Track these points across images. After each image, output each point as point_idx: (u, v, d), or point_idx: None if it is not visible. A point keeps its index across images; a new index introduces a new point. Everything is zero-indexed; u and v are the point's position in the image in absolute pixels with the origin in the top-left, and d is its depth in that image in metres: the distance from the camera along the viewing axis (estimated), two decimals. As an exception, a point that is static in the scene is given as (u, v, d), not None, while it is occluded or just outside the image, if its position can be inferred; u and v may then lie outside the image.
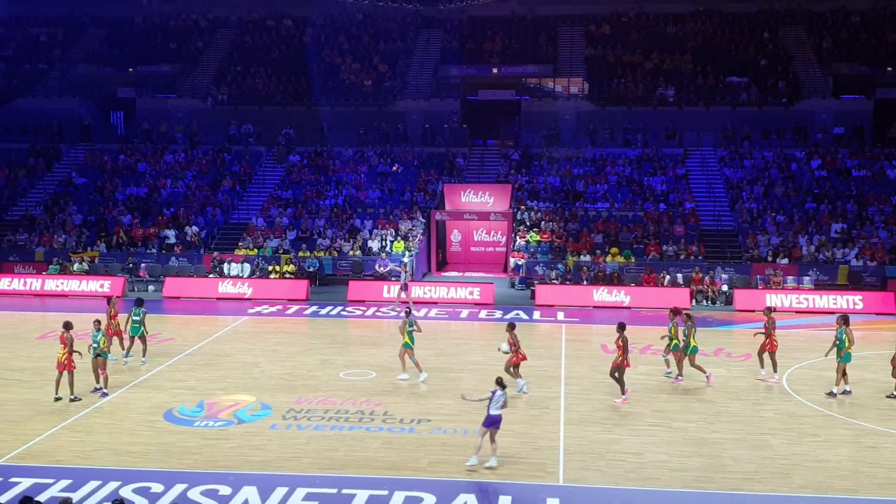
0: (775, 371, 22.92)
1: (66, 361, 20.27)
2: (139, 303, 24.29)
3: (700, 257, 37.17)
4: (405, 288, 33.04)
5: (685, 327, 22.23)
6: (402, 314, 23.83)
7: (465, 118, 48.74)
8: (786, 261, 36.30)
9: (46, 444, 17.70)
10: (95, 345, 20.84)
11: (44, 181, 46.17)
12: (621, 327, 20.87)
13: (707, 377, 22.31)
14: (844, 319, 21.67)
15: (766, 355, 22.83)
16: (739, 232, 39.45)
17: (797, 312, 32.41)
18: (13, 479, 15.69)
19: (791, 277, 34.97)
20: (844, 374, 21.49)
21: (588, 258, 37.36)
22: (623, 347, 20.67)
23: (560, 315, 31.84)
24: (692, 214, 40.34)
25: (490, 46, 51.44)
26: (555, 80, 50.84)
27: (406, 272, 33.92)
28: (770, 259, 36.61)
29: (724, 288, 34.49)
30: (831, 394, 21.45)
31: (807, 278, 34.97)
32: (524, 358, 21.95)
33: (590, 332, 28.92)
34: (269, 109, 49.02)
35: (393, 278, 34.86)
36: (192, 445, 17.68)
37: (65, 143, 48.90)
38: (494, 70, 50.38)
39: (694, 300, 33.84)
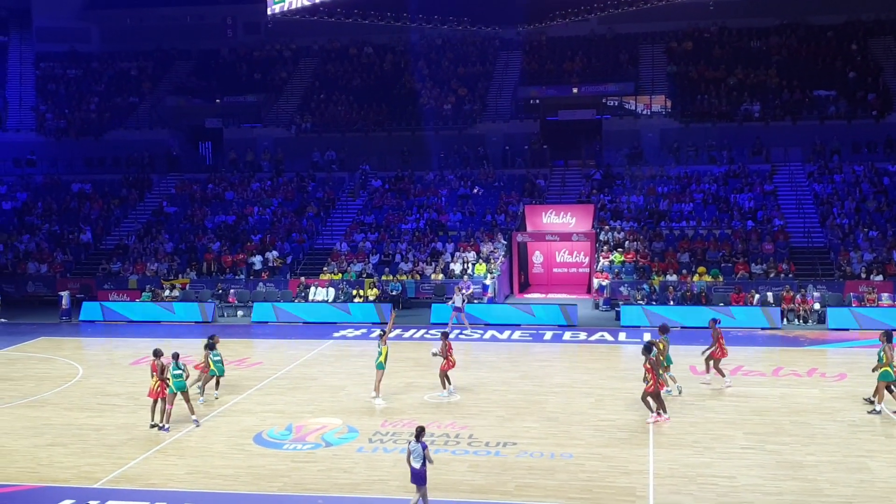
0: (722, 376, 23.84)
1: (158, 389, 20.52)
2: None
3: (790, 275, 36.33)
4: (460, 310, 32.97)
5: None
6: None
7: (545, 139, 48.65)
8: (880, 277, 35.23)
9: (141, 467, 18.10)
10: (177, 378, 20.62)
11: (136, 211, 47.57)
12: (647, 349, 20.49)
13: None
14: (887, 336, 21.16)
15: (712, 363, 23.81)
16: (831, 248, 38.46)
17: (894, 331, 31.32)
18: (110, 502, 16.10)
19: (886, 294, 33.85)
20: (890, 391, 20.95)
21: (674, 278, 36.82)
22: (652, 370, 20.24)
23: (647, 336, 31.34)
24: (781, 231, 39.48)
25: (570, 66, 51.34)
26: (636, 98, 50.43)
27: (462, 293, 33.68)
28: (863, 276, 35.58)
29: (817, 306, 33.59)
30: (874, 411, 20.94)
31: (902, 295, 33.90)
32: (453, 365, 23.16)
33: (677, 354, 28.36)
34: (351, 136, 49.75)
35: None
36: (282, 468, 17.89)
37: (156, 174, 50.35)
38: (574, 90, 50.19)
39: (785, 319, 33.05)
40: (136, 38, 57.86)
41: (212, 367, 23.23)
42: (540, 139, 48.31)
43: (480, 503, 15.91)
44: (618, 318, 34.22)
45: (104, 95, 55.22)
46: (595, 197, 43.63)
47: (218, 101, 53.66)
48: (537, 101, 51.38)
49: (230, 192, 47.57)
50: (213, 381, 23.63)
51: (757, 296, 34.10)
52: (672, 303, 34.48)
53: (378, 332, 23.69)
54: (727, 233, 39.85)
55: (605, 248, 39.84)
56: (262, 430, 20.49)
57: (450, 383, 23.25)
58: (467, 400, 22.89)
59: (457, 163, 47.85)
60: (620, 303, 35.33)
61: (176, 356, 20.81)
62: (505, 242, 40.64)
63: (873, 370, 21.27)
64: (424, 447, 14.89)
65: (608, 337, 31.47)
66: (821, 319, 33.02)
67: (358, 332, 32.86)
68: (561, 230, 41.41)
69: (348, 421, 21.05)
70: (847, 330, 31.37)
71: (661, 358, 22.01)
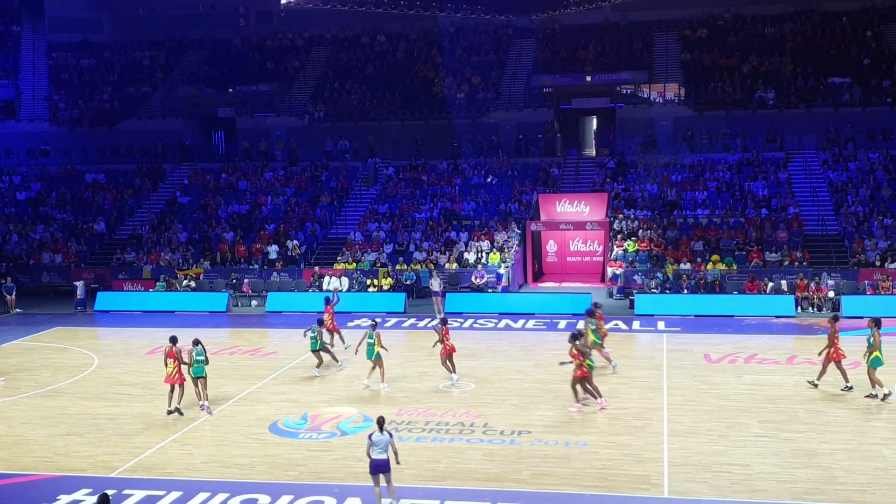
0: (609, 361, 24.33)
1: (176, 375, 20.62)
2: (321, 322, 25.86)
3: (804, 263, 36.20)
4: (439, 295, 33.62)
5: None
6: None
7: (558, 127, 48.50)
8: (895, 265, 35.06)
9: (157, 456, 18.22)
10: (198, 364, 21.06)
11: (150, 201, 47.69)
12: (573, 337, 20.80)
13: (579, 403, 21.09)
14: (875, 322, 21.33)
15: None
16: (845, 236, 38.29)
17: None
18: (126, 492, 16.21)
19: (901, 282, 33.76)
20: (874, 378, 21.11)
21: (688, 266, 36.74)
22: (578, 356, 20.46)
23: (660, 324, 31.36)
24: (795, 219, 39.33)
25: (583, 54, 51.17)
26: (650, 86, 50.23)
27: (439, 281, 34.36)
28: (878, 264, 35.40)
29: (831, 294, 33.46)
30: (887, 395, 21.02)
31: (918, 283, 33.70)
32: (452, 349, 23.35)
33: (692, 342, 28.41)
34: (364, 125, 49.69)
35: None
36: (297, 457, 17.98)
37: (169, 164, 50.43)
38: (588, 78, 49.98)
39: (799, 307, 32.94)
40: (149, 27, 57.93)
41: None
42: (554, 127, 48.15)
43: (495, 491, 15.95)
44: (632, 306, 34.17)
45: (117, 85, 55.32)
46: (609, 185, 43.52)
47: (231, 90, 53.67)
48: (551, 90, 51.22)
49: (243, 182, 47.64)
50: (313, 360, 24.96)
51: (770, 284, 33.99)
52: (686, 291, 34.42)
53: (370, 322, 23.91)
54: (741, 221, 39.72)
55: (618, 236, 39.76)
56: (277, 419, 20.60)
57: (454, 370, 23.36)
58: (481, 389, 22.94)
59: (470, 151, 47.79)
60: (634, 291, 35.29)
61: (196, 342, 21.09)
62: (519, 231, 40.59)
63: (864, 356, 21.35)
64: (391, 436, 15.05)
65: (622, 325, 31.42)
66: (835, 307, 32.87)
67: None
68: (575, 219, 41.31)
69: (363, 410, 21.13)
70: (862, 318, 31.09)
71: (589, 342, 22.21)
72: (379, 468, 14.95)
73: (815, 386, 22.14)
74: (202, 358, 21.01)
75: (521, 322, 32.40)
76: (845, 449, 17.77)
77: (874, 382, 21.05)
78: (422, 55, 53.46)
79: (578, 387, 20.75)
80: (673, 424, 19.56)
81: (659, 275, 35.76)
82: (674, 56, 50.74)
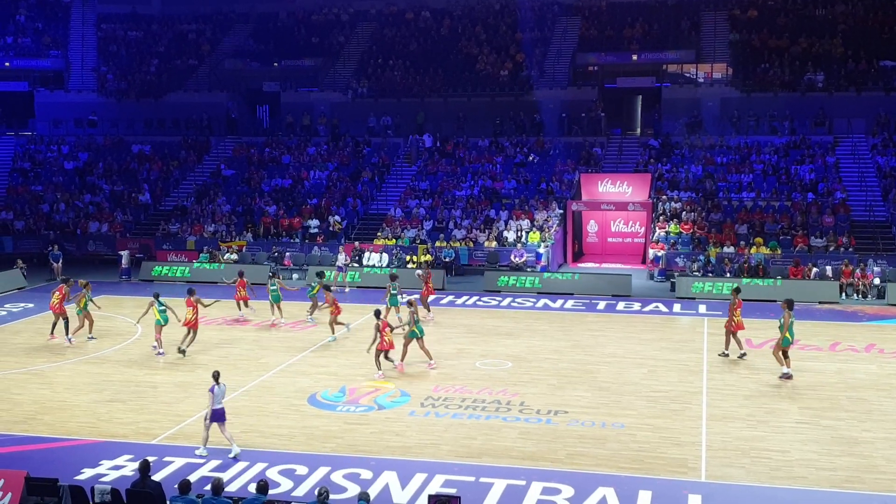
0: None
1: (193, 320, 24.32)
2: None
3: (850, 249, 35.69)
4: (342, 270, 34.94)
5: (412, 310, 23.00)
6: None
7: (602, 106, 48.12)
8: (944, 253, 34.50)
9: (198, 425, 18.33)
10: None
11: (194, 173, 48.12)
12: (377, 314, 22.48)
13: (430, 363, 22.94)
14: (787, 304, 21.96)
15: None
16: (893, 223, 37.68)
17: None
18: (167, 459, 16.45)
19: (949, 271, 33.18)
20: (786, 357, 21.67)
21: (731, 250, 36.37)
22: (380, 329, 21.89)
23: (701, 308, 31.11)
24: (842, 205, 38.73)
25: (629, 33, 50.62)
26: (697, 66, 49.60)
27: (345, 254, 35.74)
28: (927, 251, 34.88)
29: (876, 281, 32.97)
30: (785, 375, 21.65)
31: (967, 272, 33.11)
32: (339, 311, 26.28)
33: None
34: (407, 101, 49.62)
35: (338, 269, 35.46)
36: (335, 430, 18.13)
37: (214, 136, 50.79)
38: (634, 57, 49.50)
39: (843, 294, 32.50)
40: (196, 0, 58.21)
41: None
42: (598, 106, 47.76)
43: (531, 470, 15.97)
44: (673, 289, 33.93)
45: (164, 57, 55.75)
46: (652, 166, 43.12)
47: (276, 64, 53.87)
48: (595, 68, 50.77)
49: (287, 156, 47.88)
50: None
51: (815, 269, 33.55)
52: (728, 275, 34.09)
53: (270, 273, 26.70)
54: (787, 205, 39.21)
55: (661, 218, 39.43)
56: (316, 391, 20.77)
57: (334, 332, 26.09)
58: (518, 367, 22.95)
59: (512, 129, 47.57)
60: (676, 274, 35.02)
61: (157, 295, 25.10)
62: (560, 211, 40.40)
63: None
64: (224, 388, 16.87)
65: (662, 308, 31.23)
66: (880, 294, 32.42)
67: (410, 298, 32.88)
68: (617, 199, 41.01)
69: (401, 385, 21.24)
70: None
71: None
72: (219, 416, 16.53)
73: (727, 356, 23.61)
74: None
75: (559, 302, 32.32)
76: (887, 438, 17.56)
77: (781, 361, 21.68)
78: (466, 32, 53.22)
79: (410, 348, 22.67)
80: (712, 409, 19.43)
81: (701, 258, 35.46)
82: (722, 36, 50.03)
